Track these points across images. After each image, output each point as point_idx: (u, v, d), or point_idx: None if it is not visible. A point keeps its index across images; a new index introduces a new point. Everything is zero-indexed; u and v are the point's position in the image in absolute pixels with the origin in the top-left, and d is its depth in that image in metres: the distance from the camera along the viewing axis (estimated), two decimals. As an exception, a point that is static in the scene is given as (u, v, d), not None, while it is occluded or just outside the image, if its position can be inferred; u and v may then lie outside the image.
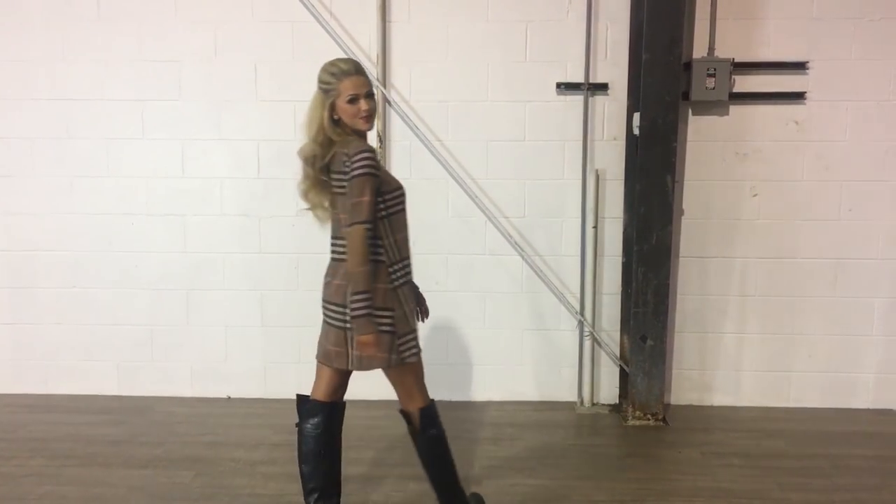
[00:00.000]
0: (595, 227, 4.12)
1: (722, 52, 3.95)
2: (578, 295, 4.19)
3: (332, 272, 2.69)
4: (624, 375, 4.13)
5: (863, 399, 4.21)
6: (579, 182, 4.11)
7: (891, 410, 4.18)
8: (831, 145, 4.03)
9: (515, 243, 4.15)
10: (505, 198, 4.15)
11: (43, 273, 4.28)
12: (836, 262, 4.11)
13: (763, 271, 4.14)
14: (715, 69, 3.88)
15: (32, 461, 3.50)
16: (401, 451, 3.57)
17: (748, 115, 4.04)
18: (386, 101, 4.07)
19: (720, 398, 4.25)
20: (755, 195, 4.10)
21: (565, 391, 4.28)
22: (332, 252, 2.71)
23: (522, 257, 4.17)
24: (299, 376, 4.27)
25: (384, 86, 4.05)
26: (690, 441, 3.78)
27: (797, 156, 4.05)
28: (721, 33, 3.95)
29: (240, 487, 3.25)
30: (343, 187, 2.57)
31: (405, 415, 2.76)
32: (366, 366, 2.64)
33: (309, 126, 2.62)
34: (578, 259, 4.17)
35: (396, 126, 4.11)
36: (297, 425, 2.78)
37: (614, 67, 4.03)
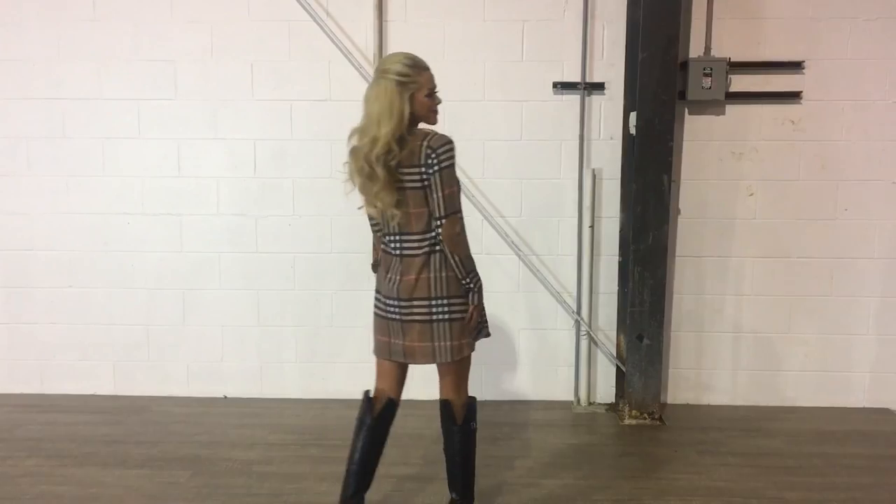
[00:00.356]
0: (592, 226, 4.12)
1: (718, 51, 3.95)
2: (575, 294, 4.19)
3: (403, 269, 2.58)
4: (620, 375, 4.14)
5: (859, 398, 4.22)
6: (576, 181, 4.11)
7: (886, 409, 4.19)
8: (827, 145, 4.04)
9: (512, 243, 4.15)
10: (502, 197, 4.15)
11: (39, 272, 4.27)
12: (833, 262, 4.12)
13: (759, 271, 4.15)
14: (711, 69, 3.88)
15: (28, 461, 3.50)
16: (397, 451, 3.57)
17: (744, 115, 4.04)
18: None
19: (716, 397, 4.26)
20: (751, 194, 4.10)
21: (562, 390, 4.29)
22: (401, 249, 2.59)
23: (519, 257, 4.17)
24: (296, 376, 4.30)
25: (381, 85, 4.04)
26: (687, 440, 3.78)
27: (793, 155, 4.06)
28: (717, 33, 3.96)
29: (236, 487, 3.25)
30: (421, 180, 2.49)
31: (446, 405, 2.75)
32: (456, 354, 2.62)
33: (386, 120, 2.44)
34: (575, 258, 4.17)
35: (393, 125, 4.10)
36: (360, 420, 2.72)
37: (611, 67, 4.03)
